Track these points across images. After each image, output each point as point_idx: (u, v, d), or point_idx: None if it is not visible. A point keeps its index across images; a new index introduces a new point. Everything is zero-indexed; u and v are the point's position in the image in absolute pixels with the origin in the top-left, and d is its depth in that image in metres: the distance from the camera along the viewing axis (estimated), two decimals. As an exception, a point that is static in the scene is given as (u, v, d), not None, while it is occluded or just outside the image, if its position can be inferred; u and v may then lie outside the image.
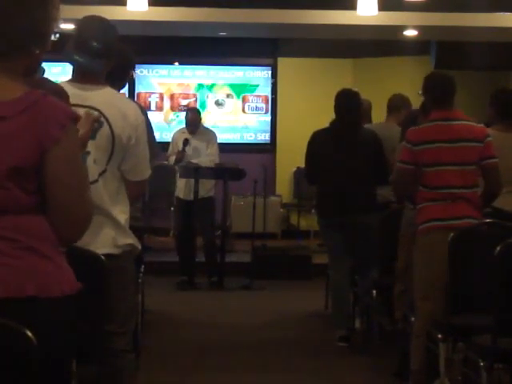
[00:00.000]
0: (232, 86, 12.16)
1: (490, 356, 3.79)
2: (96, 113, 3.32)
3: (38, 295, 2.24)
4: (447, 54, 11.02)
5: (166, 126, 11.96)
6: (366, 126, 6.53)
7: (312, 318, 7.29)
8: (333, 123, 6.30)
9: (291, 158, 11.18)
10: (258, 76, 12.22)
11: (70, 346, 2.35)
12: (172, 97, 12.15)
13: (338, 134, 6.23)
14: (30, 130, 2.24)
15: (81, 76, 3.48)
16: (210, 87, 12.16)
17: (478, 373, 3.88)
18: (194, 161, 8.50)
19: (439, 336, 4.34)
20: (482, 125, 4.88)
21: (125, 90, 9.94)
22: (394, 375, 5.14)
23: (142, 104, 10.58)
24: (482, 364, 3.80)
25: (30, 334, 2.14)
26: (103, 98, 3.43)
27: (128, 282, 3.58)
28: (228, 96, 12.18)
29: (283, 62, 12.22)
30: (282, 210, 11.80)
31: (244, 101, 12.18)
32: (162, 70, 12.18)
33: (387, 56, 11.63)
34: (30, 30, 2.32)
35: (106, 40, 3.48)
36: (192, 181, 8.39)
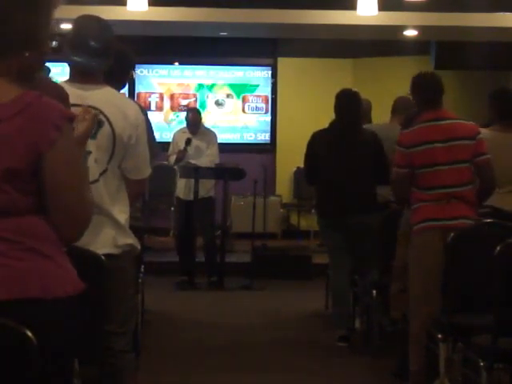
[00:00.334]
0: (232, 85, 12.17)
1: (490, 356, 3.79)
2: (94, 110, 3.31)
3: (42, 296, 2.23)
4: (447, 53, 11.03)
5: (166, 126, 11.96)
6: (366, 126, 6.52)
7: (312, 318, 7.29)
8: (333, 123, 6.30)
9: (291, 158, 11.17)
10: (258, 76, 12.23)
11: (72, 346, 2.35)
12: (172, 97, 12.15)
13: (337, 134, 6.23)
14: (25, 131, 2.23)
15: (79, 76, 3.48)
16: (210, 87, 12.16)
17: (478, 373, 3.88)
18: (193, 161, 8.50)
19: (439, 336, 4.35)
20: (472, 122, 4.88)
21: (125, 90, 9.94)
22: (394, 375, 5.13)
23: (142, 104, 10.59)
24: (481, 364, 3.80)
25: (29, 334, 2.14)
26: (103, 97, 3.43)
27: (128, 282, 3.58)
28: (228, 96, 12.18)
29: (283, 62, 12.22)
30: (282, 210, 11.80)
31: (244, 101, 12.19)
32: (161, 70, 12.18)
33: (387, 56, 11.63)
34: (26, 31, 2.31)
35: (104, 39, 3.48)
36: (192, 181, 8.39)
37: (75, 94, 3.31)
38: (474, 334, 4.01)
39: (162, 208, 10.69)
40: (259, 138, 12.21)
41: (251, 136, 12.19)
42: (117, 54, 3.62)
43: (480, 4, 8.76)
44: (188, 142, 8.54)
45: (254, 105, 12.21)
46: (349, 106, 6.21)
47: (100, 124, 3.37)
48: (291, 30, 10.04)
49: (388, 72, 11.51)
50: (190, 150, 8.56)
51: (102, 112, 3.38)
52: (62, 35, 3.50)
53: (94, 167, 3.34)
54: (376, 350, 5.81)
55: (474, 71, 11.38)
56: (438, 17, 9.41)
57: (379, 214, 5.92)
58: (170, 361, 5.78)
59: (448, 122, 4.76)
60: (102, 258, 3.17)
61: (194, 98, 12.13)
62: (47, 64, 2.73)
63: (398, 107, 6.72)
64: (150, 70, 12.08)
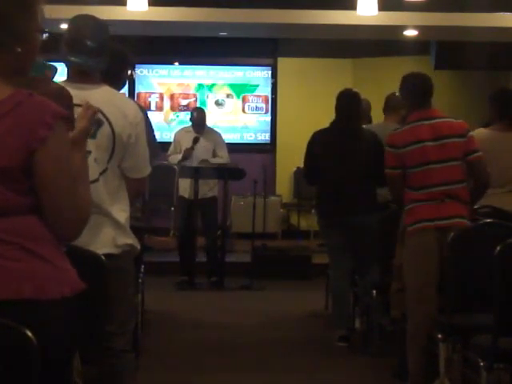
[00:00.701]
0: (232, 86, 12.16)
1: (490, 356, 3.79)
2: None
3: (36, 297, 2.22)
4: (447, 54, 11.03)
5: (166, 126, 11.96)
6: (365, 126, 6.51)
7: (312, 318, 7.29)
8: (333, 123, 6.30)
9: (291, 157, 11.17)
10: (258, 76, 12.22)
11: (69, 347, 2.34)
12: (172, 97, 12.15)
13: (337, 134, 6.23)
14: (16, 131, 2.23)
15: (77, 76, 3.48)
16: (210, 87, 12.16)
17: (478, 373, 3.88)
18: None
19: (439, 336, 4.34)
20: (461, 120, 4.89)
21: (125, 90, 9.94)
22: (393, 375, 5.13)
23: (142, 104, 10.59)
24: (482, 364, 3.80)
25: (30, 334, 2.14)
26: (102, 96, 3.43)
27: (128, 282, 3.58)
28: (228, 96, 12.18)
29: (283, 62, 12.22)
30: (282, 210, 11.80)
31: (244, 101, 12.18)
32: (161, 70, 12.18)
33: (387, 56, 11.64)
34: (13, 28, 2.30)
35: (101, 38, 3.49)
36: (197, 180, 8.43)
37: (74, 94, 3.30)
38: (473, 334, 4.00)
39: (162, 208, 10.68)
40: (259, 138, 12.21)
41: (251, 136, 12.19)
42: (112, 53, 3.62)
43: (480, 4, 8.76)
44: (196, 140, 8.54)
45: (253, 105, 12.21)
46: (349, 106, 6.21)
47: (99, 123, 3.36)
48: (291, 29, 10.04)
49: (388, 72, 11.49)
50: (196, 149, 8.57)
51: (101, 112, 3.37)
52: (62, 35, 3.50)
53: (93, 167, 3.33)
54: (376, 350, 5.81)
55: (473, 71, 11.38)
56: (438, 17, 9.41)
57: (379, 213, 5.92)
58: (170, 361, 5.77)
59: (437, 120, 4.77)
60: (102, 257, 3.17)
61: (194, 98, 12.13)
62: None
63: (391, 105, 6.70)
64: (150, 70, 12.08)
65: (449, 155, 4.69)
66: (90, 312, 2.62)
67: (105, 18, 3.76)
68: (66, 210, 2.29)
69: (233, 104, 12.17)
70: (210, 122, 10.93)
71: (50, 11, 2.40)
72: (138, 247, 3.62)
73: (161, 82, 12.14)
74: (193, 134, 8.64)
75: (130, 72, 4.87)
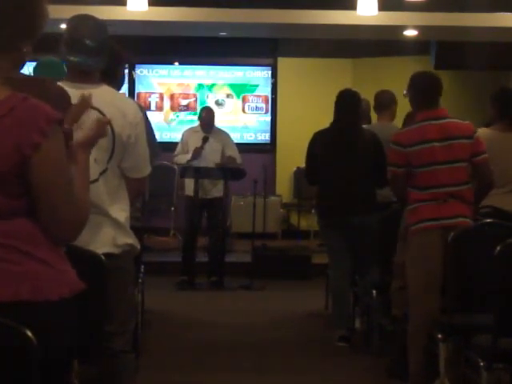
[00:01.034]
0: (232, 86, 12.16)
1: (489, 356, 3.79)
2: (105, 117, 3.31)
3: (33, 299, 2.22)
4: (447, 54, 11.02)
5: (166, 126, 11.95)
6: (365, 126, 6.50)
7: (312, 318, 7.29)
8: (333, 123, 6.30)
9: (291, 157, 11.18)
10: (258, 76, 12.22)
11: (69, 348, 2.34)
12: (172, 97, 12.14)
13: (337, 135, 6.23)
14: (9, 134, 2.21)
15: (76, 75, 3.48)
16: (210, 87, 12.15)
17: (478, 373, 3.88)
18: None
19: (439, 336, 4.34)
20: (468, 121, 4.88)
21: (125, 90, 9.95)
22: (389, 376, 5.13)
23: (142, 104, 10.58)
24: (481, 364, 3.80)
25: (30, 333, 2.14)
26: (102, 96, 3.43)
27: (128, 282, 3.58)
28: (228, 96, 12.17)
29: (283, 62, 12.21)
30: (282, 210, 11.79)
31: (244, 101, 12.18)
32: (161, 70, 12.17)
33: (387, 56, 11.63)
34: (23, 28, 2.30)
35: (100, 38, 3.49)
36: (205, 180, 8.42)
37: (73, 95, 3.30)
38: (473, 334, 4.00)
39: (162, 208, 10.68)
40: (259, 138, 12.20)
41: (251, 136, 12.18)
42: (110, 53, 3.62)
43: (480, 4, 8.75)
44: (205, 139, 8.52)
45: (253, 105, 12.21)
46: (349, 106, 6.21)
47: (99, 123, 3.36)
48: (291, 29, 10.03)
49: (388, 72, 11.50)
50: (205, 148, 8.54)
51: (100, 112, 3.37)
52: (61, 35, 3.50)
53: (93, 167, 3.32)
54: (376, 350, 5.81)
55: (473, 71, 11.37)
56: (438, 17, 9.40)
57: (379, 213, 5.92)
58: (170, 361, 5.77)
59: (445, 121, 4.76)
60: (102, 257, 3.17)
61: (194, 98, 12.12)
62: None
63: (383, 103, 6.67)
64: (150, 70, 12.07)
65: (456, 156, 4.68)
66: (89, 312, 2.62)
67: (105, 18, 3.77)
68: (64, 212, 2.29)
69: (233, 104, 12.17)
70: (210, 122, 10.95)
71: (50, 11, 2.40)
72: (139, 247, 3.62)
73: (161, 82, 12.13)
74: (201, 134, 8.62)
75: (125, 70, 4.84)
